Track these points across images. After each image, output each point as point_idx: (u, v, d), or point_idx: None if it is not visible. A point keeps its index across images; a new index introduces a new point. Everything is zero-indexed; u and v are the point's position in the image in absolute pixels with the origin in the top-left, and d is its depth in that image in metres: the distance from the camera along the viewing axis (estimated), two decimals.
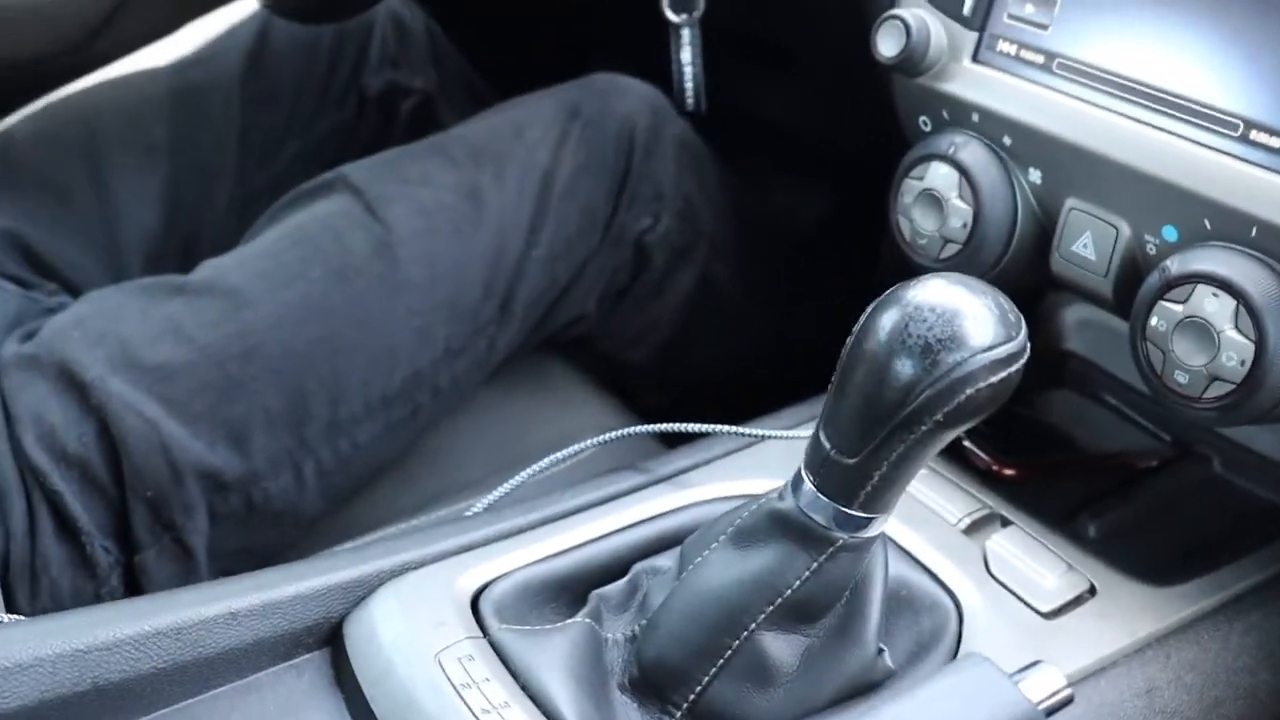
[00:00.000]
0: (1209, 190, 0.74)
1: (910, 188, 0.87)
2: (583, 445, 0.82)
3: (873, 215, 1.00)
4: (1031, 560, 0.78)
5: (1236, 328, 0.71)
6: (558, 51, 1.61)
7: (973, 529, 0.81)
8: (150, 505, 0.91)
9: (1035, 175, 0.84)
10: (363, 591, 0.72)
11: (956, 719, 0.64)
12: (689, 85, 1.03)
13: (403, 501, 1.04)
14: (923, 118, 0.90)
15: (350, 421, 0.99)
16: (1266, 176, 0.72)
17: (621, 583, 0.73)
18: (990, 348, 0.57)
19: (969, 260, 0.85)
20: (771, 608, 0.64)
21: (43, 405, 0.90)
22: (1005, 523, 0.82)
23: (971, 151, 0.84)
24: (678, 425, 0.82)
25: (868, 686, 0.67)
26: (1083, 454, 0.94)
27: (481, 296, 1.04)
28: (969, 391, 0.57)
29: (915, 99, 0.89)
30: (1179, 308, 0.73)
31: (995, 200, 0.84)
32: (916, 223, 0.87)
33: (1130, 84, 0.79)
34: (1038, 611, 0.75)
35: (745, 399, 1.01)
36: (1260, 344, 0.70)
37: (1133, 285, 0.78)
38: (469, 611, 0.71)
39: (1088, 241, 0.81)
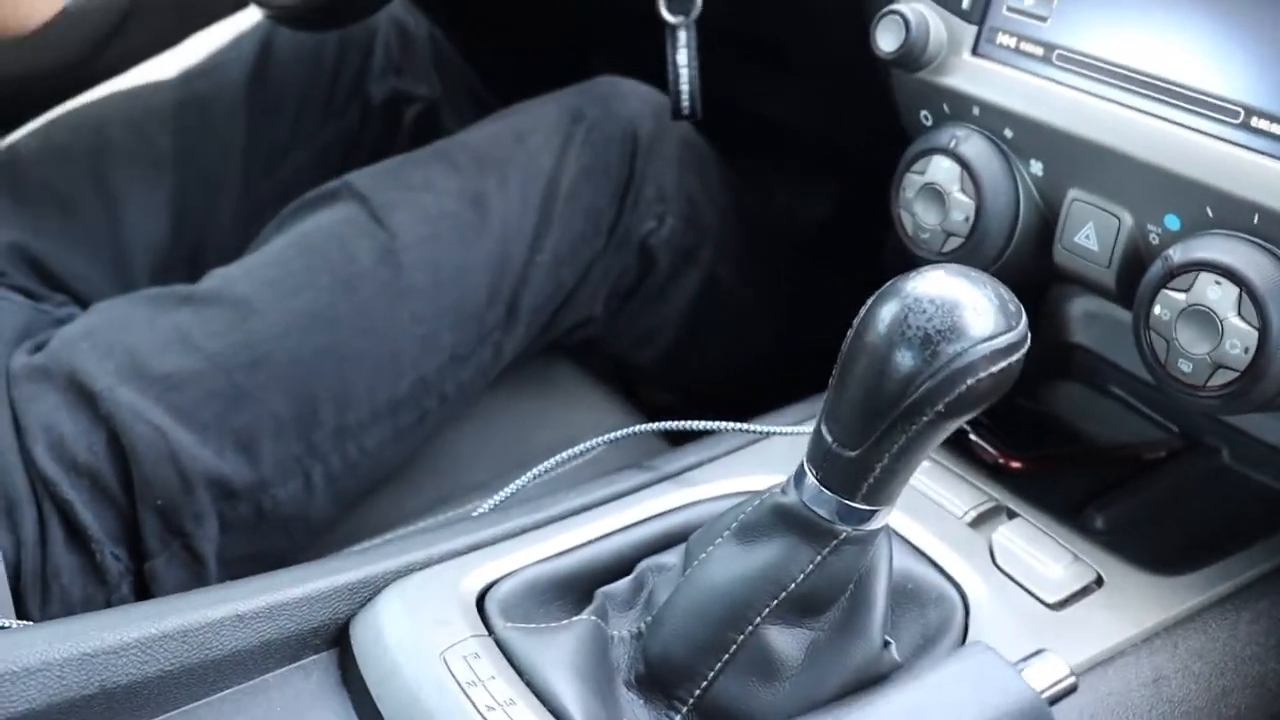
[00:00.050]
0: (1211, 178, 0.74)
1: (912, 182, 0.87)
2: (589, 444, 0.82)
3: (875, 213, 1.00)
4: (1038, 552, 0.77)
5: (1240, 315, 0.71)
6: (558, 54, 1.61)
7: (979, 521, 0.80)
8: (160, 513, 0.92)
9: (1037, 167, 0.84)
10: (369, 592, 0.72)
11: (959, 707, 0.64)
12: (684, 88, 1.02)
13: (410, 505, 1.04)
14: (923, 112, 0.90)
15: (358, 428, 0.99)
16: (1268, 163, 0.72)
17: (627, 580, 0.73)
18: (990, 338, 0.57)
19: (972, 253, 0.85)
20: (776, 602, 0.64)
21: (53, 416, 0.91)
22: (1011, 515, 0.81)
23: (973, 145, 0.84)
24: (682, 423, 0.82)
25: (873, 679, 0.67)
26: (1090, 446, 0.93)
27: (487, 302, 1.04)
28: (969, 382, 0.57)
29: (915, 94, 0.89)
30: (1182, 296, 0.73)
31: (997, 193, 0.84)
32: (919, 217, 0.87)
33: (1130, 74, 0.79)
34: (1044, 603, 0.74)
35: (751, 398, 1.01)
36: (1264, 331, 0.70)
37: (1136, 275, 0.78)
38: (474, 610, 0.71)
39: (1090, 232, 0.81)
